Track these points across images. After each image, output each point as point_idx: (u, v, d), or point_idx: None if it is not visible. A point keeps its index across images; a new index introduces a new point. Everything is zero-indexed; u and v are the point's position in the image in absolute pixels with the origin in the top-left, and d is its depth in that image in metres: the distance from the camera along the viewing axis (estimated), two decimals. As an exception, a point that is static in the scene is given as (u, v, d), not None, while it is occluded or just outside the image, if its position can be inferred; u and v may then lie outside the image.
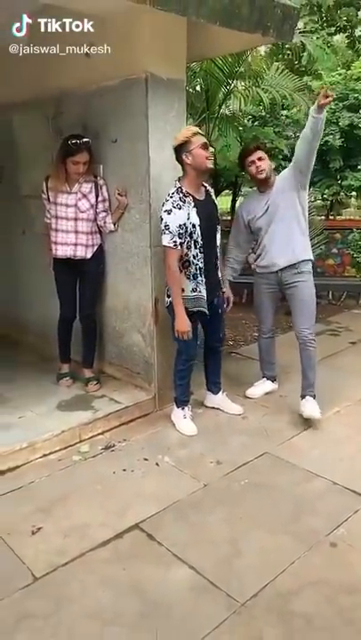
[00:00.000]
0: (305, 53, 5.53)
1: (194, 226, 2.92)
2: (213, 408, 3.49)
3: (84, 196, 3.36)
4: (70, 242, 3.38)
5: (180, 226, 2.87)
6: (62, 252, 3.40)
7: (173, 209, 2.87)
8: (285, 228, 3.26)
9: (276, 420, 3.40)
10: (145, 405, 3.45)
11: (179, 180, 2.97)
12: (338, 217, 11.14)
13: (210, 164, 2.93)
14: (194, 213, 2.91)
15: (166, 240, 2.89)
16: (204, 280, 3.02)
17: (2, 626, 1.89)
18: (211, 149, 2.95)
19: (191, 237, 2.93)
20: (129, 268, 3.42)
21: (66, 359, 3.72)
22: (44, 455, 2.98)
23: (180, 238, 2.88)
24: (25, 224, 4.21)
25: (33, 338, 4.42)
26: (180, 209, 2.87)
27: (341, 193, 13.77)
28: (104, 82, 3.22)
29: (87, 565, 2.19)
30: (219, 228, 3.15)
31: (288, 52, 6.48)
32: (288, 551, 2.24)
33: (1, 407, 3.32)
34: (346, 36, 9.12)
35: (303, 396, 3.34)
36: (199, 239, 2.94)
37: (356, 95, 10.19)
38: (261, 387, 3.73)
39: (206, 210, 3.00)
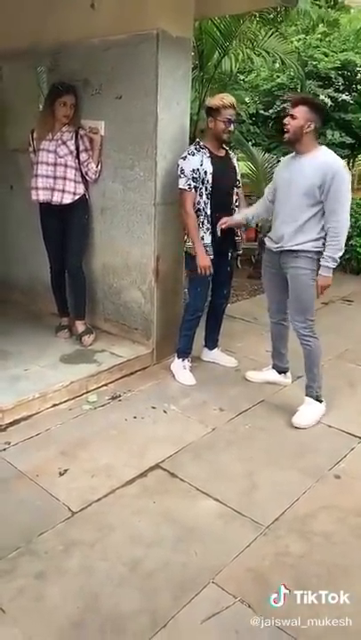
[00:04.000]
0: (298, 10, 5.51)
1: (206, 173, 3.09)
2: (209, 362, 3.68)
3: (64, 142, 3.44)
4: (49, 186, 3.48)
5: (193, 170, 3.08)
6: (43, 196, 3.49)
7: (188, 155, 3.11)
8: (296, 210, 2.84)
9: (266, 371, 3.63)
10: (144, 359, 3.59)
11: (200, 136, 3.16)
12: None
13: (225, 137, 3.16)
14: (208, 162, 3.10)
15: (182, 183, 3.10)
16: (210, 228, 3.17)
17: (53, 552, 2.04)
18: (231, 127, 3.12)
19: (203, 184, 3.10)
20: (130, 226, 3.49)
21: (64, 312, 3.80)
22: (55, 405, 3.08)
23: (194, 182, 3.09)
24: (13, 179, 4.15)
25: (20, 295, 4.42)
26: (193, 155, 3.10)
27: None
28: (110, 36, 3.21)
29: (119, 500, 2.35)
30: (237, 191, 3.30)
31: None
32: (299, 483, 2.49)
33: (5, 361, 3.36)
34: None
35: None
36: (209, 186, 3.11)
37: (315, 63, 10.32)
38: (264, 374, 3.45)
39: (223, 165, 3.18)
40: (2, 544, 2.05)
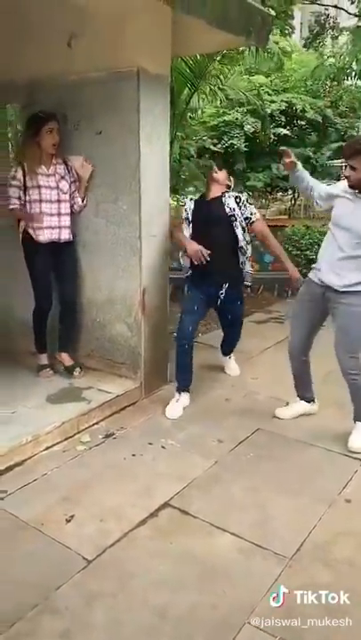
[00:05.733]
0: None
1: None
2: (200, 392, 3.62)
3: (62, 177, 3.39)
4: (55, 225, 3.39)
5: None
6: (49, 235, 3.39)
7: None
8: (354, 247, 2.77)
9: (255, 399, 3.63)
10: (133, 394, 3.51)
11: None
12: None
13: None
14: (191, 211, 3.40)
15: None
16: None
17: (74, 607, 1.91)
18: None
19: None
20: (114, 259, 3.45)
21: (44, 350, 3.68)
22: (47, 448, 2.94)
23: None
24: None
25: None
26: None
27: (244, 193, 14.65)
28: (89, 72, 3.22)
29: (134, 543, 2.24)
30: (233, 224, 3.31)
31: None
32: (312, 510, 2.47)
33: (-11, 404, 3.20)
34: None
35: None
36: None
37: (260, 104, 10.87)
38: (295, 407, 3.36)
39: (202, 215, 3.37)
40: (18, 602, 1.91)
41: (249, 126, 12.84)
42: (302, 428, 3.23)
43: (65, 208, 3.40)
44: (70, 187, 3.42)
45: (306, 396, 3.36)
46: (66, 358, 3.64)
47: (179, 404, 3.39)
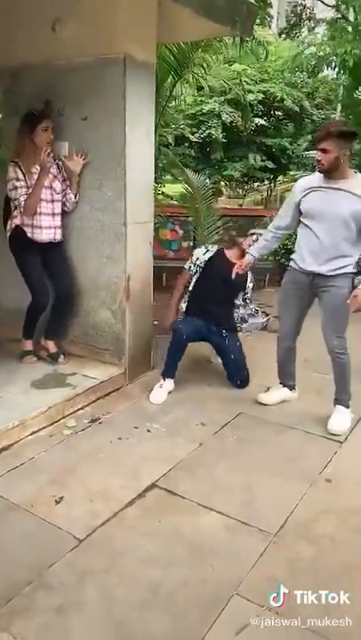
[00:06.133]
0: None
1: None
2: (183, 382, 3.66)
3: (55, 177, 3.36)
4: (52, 225, 3.38)
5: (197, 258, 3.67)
6: (47, 236, 3.37)
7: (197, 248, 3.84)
8: (338, 239, 2.87)
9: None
10: (117, 380, 3.55)
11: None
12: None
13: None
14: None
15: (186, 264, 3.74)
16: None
17: (68, 584, 1.95)
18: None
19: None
20: (99, 246, 3.47)
21: (31, 337, 3.68)
22: (34, 432, 2.97)
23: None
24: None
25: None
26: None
27: (222, 182, 14.65)
28: (76, 58, 3.21)
29: (123, 523, 2.30)
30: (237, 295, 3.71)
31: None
32: (294, 490, 2.56)
33: (-26, 389, 3.20)
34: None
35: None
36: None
37: (241, 93, 10.88)
38: (277, 393, 3.44)
39: (218, 271, 3.56)
40: (13, 579, 1.95)
41: (226, 116, 12.92)
42: (283, 412, 3.33)
43: (58, 208, 3.39)
44: (62, 185, 3.40)
45: (288, 383, 3.45)
46: (51, 345, 3.65)
47: (163, 390, 3.45)
